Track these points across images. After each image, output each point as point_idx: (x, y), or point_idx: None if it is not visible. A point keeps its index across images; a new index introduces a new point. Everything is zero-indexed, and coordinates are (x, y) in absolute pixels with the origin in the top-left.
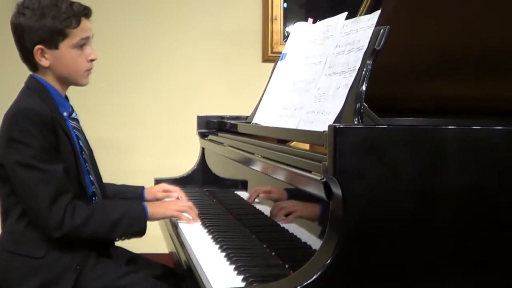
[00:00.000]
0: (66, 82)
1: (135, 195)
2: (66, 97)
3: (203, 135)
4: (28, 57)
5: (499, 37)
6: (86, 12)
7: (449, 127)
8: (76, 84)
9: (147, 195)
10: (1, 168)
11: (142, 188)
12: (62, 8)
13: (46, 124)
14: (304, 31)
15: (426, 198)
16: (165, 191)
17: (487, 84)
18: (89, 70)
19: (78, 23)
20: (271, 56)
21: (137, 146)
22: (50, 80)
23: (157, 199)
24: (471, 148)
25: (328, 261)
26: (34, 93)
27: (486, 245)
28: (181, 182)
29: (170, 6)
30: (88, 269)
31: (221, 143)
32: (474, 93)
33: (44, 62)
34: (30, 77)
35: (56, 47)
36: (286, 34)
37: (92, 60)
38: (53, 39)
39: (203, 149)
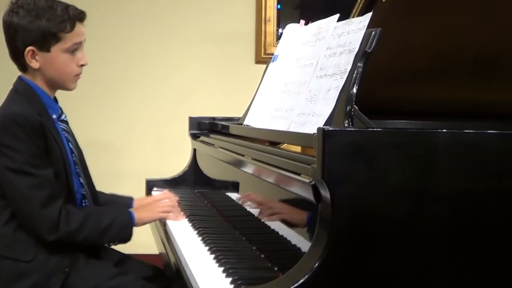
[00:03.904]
0: (54, 85)
1: (123, 206)
2: (55, 99)
3: (194, 136)
4: (18, 57)
5: (492, 40)
6: (81, 16)
7: (440, 130)
8: (64, 88)
9: (136, 206)
10: None
11: (131, 199)
12: (58, 11)
13: (35, 129)
14: (296, 33)
15: (416, 202)
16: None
17: (480, 87)
18: (78, 75)
19: (72, 28)
20: (264, 58)
21: (129, 147)
22: (38, 82)
23: None
24: (462, 151)
25: (316, 265)
26: (22, 97)
27: (476, 249)
28: (172, 183)
29: (163, 8)
30: (76, 271)
31: (212, 145)
32: (467, 96)
33: (34, 64)
34: (19, 79)
35: (47, 49)
36: (279, 36)
37: (82, 65)
38: (46, 41)
39: (194, 150)
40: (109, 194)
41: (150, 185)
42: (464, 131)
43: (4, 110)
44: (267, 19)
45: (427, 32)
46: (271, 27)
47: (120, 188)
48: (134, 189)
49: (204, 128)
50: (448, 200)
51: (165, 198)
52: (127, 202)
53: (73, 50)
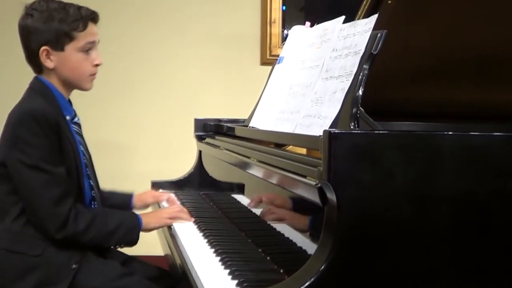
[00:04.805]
0: (70, 85)
1: (122, 202)
2: (70, 101)
3: (200, 138)
4: (33, 58)
5: (497, 40)
6: (93, 16)
7: (446, 133)
8: (80, 88)
9: (136, 202)
10: (2, 167)
11: (131, 195)
12: (70, 12)
13: (51, 126)
14: (301, 35)
15: (421, 204)
16: (154, 197)
17: (485, 88)
18: (93, 75)
19: (84, 27)
20: (269, 59)
21: (135, 148)
22: (54, 82)
23: (147, 205)
24: (468, 154)
25: (322, 267)
26: (39, 95)
27: (482, 252)
28: (178, 185)
29: (168, 9)
30: (85, 268)
31: (217, 146)
32: (472, 98)
33: (49, 64)
34: (35, 78)
35: (61, 49)
36: (284, 37)
37: (97, 65)
38: (59, 41)
39: (200, 152)
40: (107, 191)
41: (156, 187)
42: (469, 133)
43: (22, 106)
44: (272, 20)
45: (432, 33)
46: (276, 28)
47: (125, 189)
48: (139, 191)
49: (209, 130)
50: (453, 203)
51: (164, 196)
52: (125, 199)
53: (87, 49)
